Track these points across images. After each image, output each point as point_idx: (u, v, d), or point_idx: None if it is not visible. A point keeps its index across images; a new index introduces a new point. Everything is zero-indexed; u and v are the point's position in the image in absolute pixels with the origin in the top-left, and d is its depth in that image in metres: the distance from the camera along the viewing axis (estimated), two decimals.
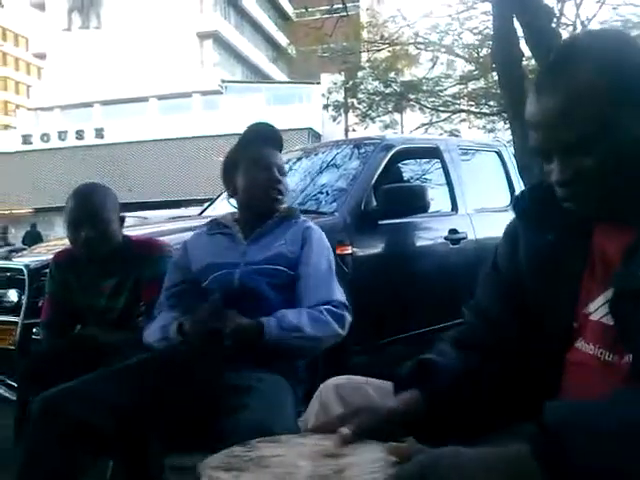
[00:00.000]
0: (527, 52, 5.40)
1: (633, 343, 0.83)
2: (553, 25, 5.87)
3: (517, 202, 1.03)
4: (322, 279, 1.73)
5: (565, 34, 9.10)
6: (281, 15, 35.35)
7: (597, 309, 0.91)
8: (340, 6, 8.75)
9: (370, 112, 15.50)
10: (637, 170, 0.85)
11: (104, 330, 2.02)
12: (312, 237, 1.78)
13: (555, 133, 0.85)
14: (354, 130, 16.20)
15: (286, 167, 1.92)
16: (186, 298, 1.78)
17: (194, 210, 5.33)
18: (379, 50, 14.66)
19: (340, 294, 1.73)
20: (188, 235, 2.06)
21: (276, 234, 1.80)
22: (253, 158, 1.82)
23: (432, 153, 4.04)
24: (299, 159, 4.15)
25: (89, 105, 27.35)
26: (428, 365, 0.96)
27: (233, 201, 1.91)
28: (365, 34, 15.31)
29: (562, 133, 0.84)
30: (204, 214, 4.12)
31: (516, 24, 4.95)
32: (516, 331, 0.97)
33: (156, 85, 26.14)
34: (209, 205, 4.30)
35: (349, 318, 1.71)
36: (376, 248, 3.31)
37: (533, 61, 6.57)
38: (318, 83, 21.73)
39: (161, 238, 2.40)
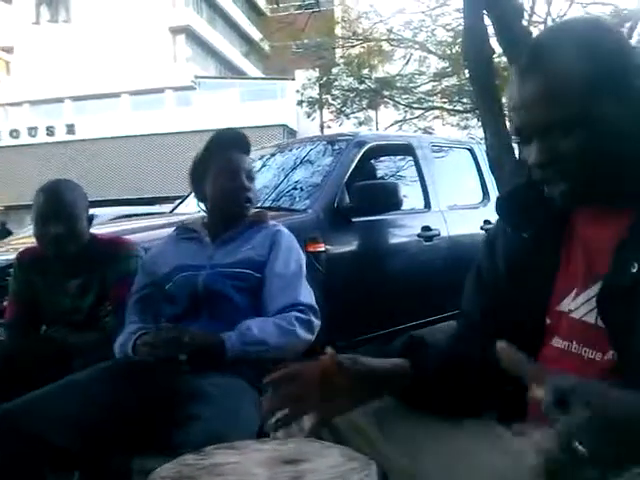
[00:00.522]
0: (498, 49, 5.44)
1: (619, 342, 0.83)
2: (524, 22, 5.91)
3: (498, 203, 1.05)
4: (289, 282, 1.70)
5: (536, 31, 9.20)
6: (255, 10, 35.12)
7: (579, 307, 0.90)
8: (312, 1, 8.72)
9: (345, 109, 15.50)
10: (615, 156, 0.86)
11: (70, 331, 1.98)
12: (281, 240, 1.77)
13: (534, 115, 0.87)
14: (329, 127, 16.18)
15: (254, 171, 1.89)
16: (152, 303, 1.77)
17: (157, 208, 5.23)
18: (353, 46, 14.66)
19: (308, 297, 1.71)
20: (155, 233, 2.03)
21: (244, 238, 1.78)
22: (221, 165, 1.80)
23: (405, 150, 4.05)
24: (273, 155, 4.13)
25: (60, 100, 26.86)
26: (419, 340, 1.01)
27: (202, 205, 1.89)
28: (339, 30, 15.29)
29: (541, 115, 0.86)
30: (175, 211, 4.07)
31: (487, 21, 4.97)
32: (495, 333, 0.98)
33: (128, 80, 25.77)
34: (181, 202, 4.25)
35: (317, 322, 1.69)
36: (349, 245, 3.30)
37: (504, 58, 6.61)
38: (292, 79, 21.64)
39: (127, 236, 2.36)
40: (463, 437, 0.89)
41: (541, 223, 0.95)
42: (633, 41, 9.68)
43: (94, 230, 2.09)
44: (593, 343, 0.88)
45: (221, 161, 1.80)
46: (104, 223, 3.63)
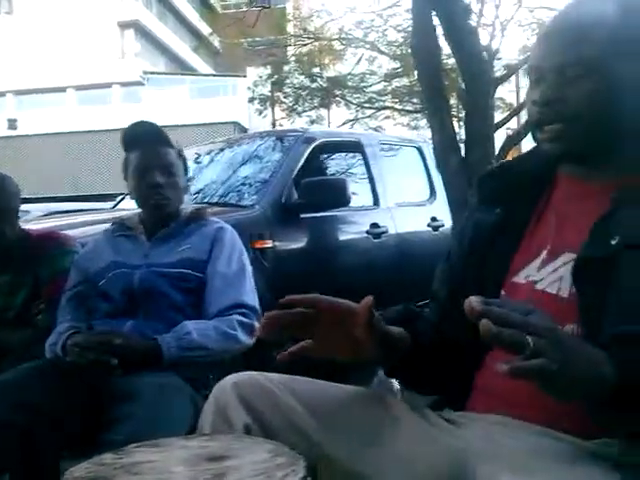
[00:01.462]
0: (447, 49, 5.50)
1: (589, 313, 0.84)
2: (473, 23, 5.99)
3: (479, 181, 1.08)
4: (232, 281, 1.66)
5: (485, 34, 9.40)
6: (206, 5, 34.72)
7: (543, 278, 0.91)
8: None
9: (296, 107, 15.47)
10: (615, 115, 0.89)
11: (0, 329, 1.88)
12: (223, 238, 1.71)
13: (554, 50, 0.91)
14: (281, 125, 16.11)
15: (176, 164, 1.74)
16: (85, 300, 1.70)
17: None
18: (304, 44, 14.64)
19: (252, 298, 1.67)
20: (94, 228, 1.96)
21: (182, 236, 1.72)
22: (132, 163, 1.73)
23: (354, 147, 4.05)
24: (222, 150, 4.07)
25: (1, 94, 25.97)
26: (414, 311, 1.04)
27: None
28: (290, 27, 15.26)
29: (561, 52, 0.90)
30: (118, 207, 3.96)
31: (436, 21, 5.01)
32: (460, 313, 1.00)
33: (74, 75, 25.10)
34: (122, 198, 4.14)
35: (258, 326, 1.65)
36: (297, 242, 3.27)
37: (452, 59, 6.70)
38: (244, 76, 21.46)
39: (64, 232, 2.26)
40: (401, 434, 0.88)
41: (516, 197, 0.98)
42: None
43: (30, 225, 2.01)
44: (553, 315, 0.88)
45: (133, 158, 1.73)
46: (40, 218, 3.50)
